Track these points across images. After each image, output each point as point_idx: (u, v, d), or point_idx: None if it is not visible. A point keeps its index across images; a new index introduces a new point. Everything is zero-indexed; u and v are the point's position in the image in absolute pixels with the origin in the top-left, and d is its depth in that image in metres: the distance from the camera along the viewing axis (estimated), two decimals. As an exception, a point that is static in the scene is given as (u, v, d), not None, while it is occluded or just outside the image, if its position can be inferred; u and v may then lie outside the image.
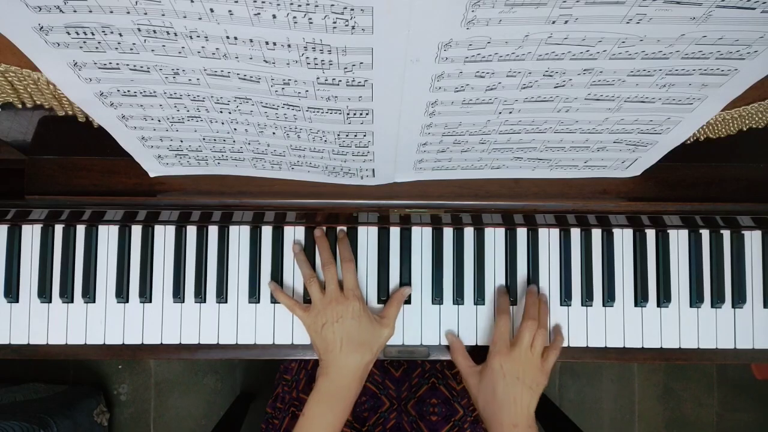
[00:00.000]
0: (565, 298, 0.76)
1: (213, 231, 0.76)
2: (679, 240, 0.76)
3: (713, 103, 0.48)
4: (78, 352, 0.74)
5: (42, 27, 0.38)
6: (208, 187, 0.65)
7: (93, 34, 0.38)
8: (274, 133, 0.52)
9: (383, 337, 0.69)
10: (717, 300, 0.76)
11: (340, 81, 0.42)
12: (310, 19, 0.35)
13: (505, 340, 0.69)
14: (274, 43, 0.38)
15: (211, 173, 0.64)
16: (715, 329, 0.75)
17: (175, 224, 0.75)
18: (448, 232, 0.76)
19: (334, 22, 0.35)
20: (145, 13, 0.36)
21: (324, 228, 0.75)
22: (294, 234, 0.76)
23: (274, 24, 0.36)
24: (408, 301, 0.75)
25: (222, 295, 0.75)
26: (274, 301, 0.75)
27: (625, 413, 1.55)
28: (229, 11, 0.35)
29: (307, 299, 0.74)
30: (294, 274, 0.76)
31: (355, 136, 0.51)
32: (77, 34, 0.38)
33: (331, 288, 0.69)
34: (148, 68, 0.43)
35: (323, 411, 0.64)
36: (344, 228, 0.76)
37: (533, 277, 0.76)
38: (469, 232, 0.76)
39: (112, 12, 0.36)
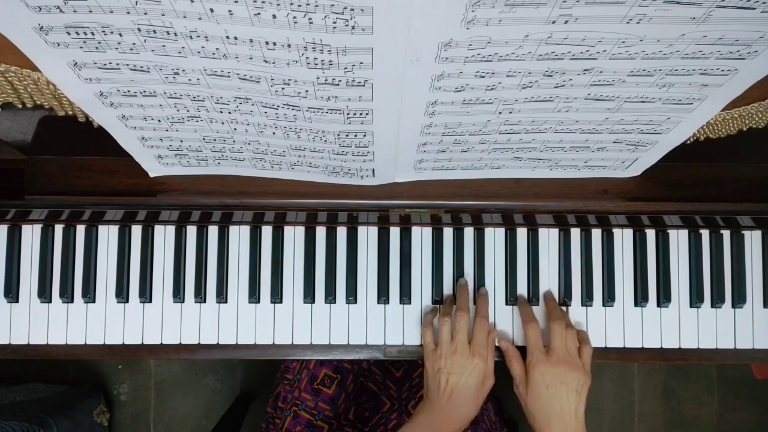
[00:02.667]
0: (565, 298, 0.76)
1: (213, 231, 0.76)
2: (679, 240, 0.76)
3: (713, 103, 0.48)
4: (78, 352, 0.74)
5: (42, 27, 0.38)
6: (208, 187, 0.65)
7: (93, 34, 0.38)
8: (274, 133, 0.52)
9: (487, 389, 0.68)
10: (717, 300, 0.75)
11: (340, 81, 0.42)
12: (310, 19, 0.35)
13: (540, 348, 0.67)
14: (274, 43, 0.38)
15: (211, 173, 0.64)
16: (715, 329, 0.75)
17: (175, 224, 0.75)
18: (448, 232, 0.76)
19: (334, 22, 0.35)
20: (145, 13, 0.36)
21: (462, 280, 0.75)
22: (294, 234, 0.76)
23: (274, 24, 0.36)
24: (408, 301, 0.75)
25: (222, 295, 0.75)
26: (274, 301, 0.75)
27: (625, 413, 1.55)
28: (229, 11, 0.35)
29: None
30: (294, 274, 0.76)
31: (355, 136, 0.51)
32: (77, 34, 0.38)
33: (460, 337, 0.67)
34: (148, 68, 0.43)
35: None
36: (345, 228, 0.76)
37: (533, 277, 0.76)
38: (469, 232, 0.76)
39: (112, 12, 0.36)
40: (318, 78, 0.42)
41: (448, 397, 0.65)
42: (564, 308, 0.75)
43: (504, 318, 0.76)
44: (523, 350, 0.71)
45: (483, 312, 0.70)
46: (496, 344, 0.72)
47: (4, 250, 0.74)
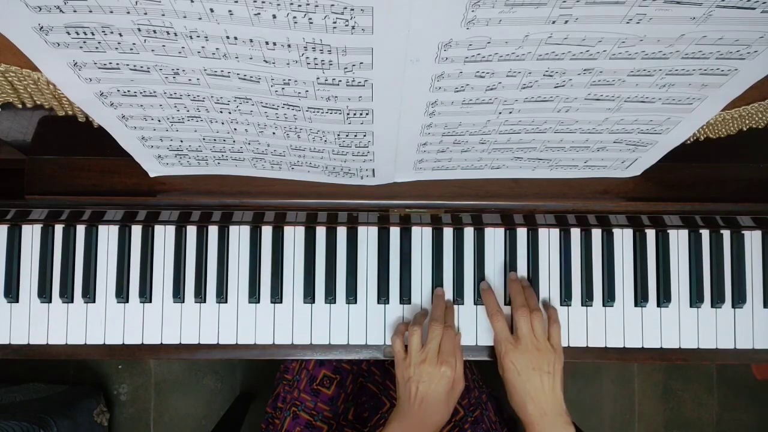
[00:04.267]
0: (565, 298, 0.76)
1: (213, 231, 0.76)
2: (679, 240, 0.76)
3: (713, 103, 0.48)
4: (78, 352, 0.74)
5: (42, 27, 0.38)
6: (208, 187, 0.65)
7: (93, 34, 0.38)
8: (274, 133, 0.52)
9: (458, 393, 0.69)
10: (717, 300, 0.76)
11: (340, 81, 0.42)
12: (310, 19, 0.35)
13: (507, 338, 0.69)
14: (274, 43, 0.38)
15: (211, 173, 0.64)
16: (715, 329, 0.75)
17: (175, 224, 0.75)
18: (448, 232, 0.76)
19: (334, 22, 0.35)
20: (145, 13, 0.36)
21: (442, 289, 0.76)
22: (294, 234, 0.76)
23: (274, 24, 0.36)
24: (408, 301, 0.75)
25: (222, 295, 0.75)
26: (274, 301, 0.75)
27: (625, 413, 1.55)
28: (229, 11, 0.35)
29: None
30: (294, 275, 0.76)
31: (355, 136, 0.51)
32: (77, 34, 0.38)
33: (431, 347, 0.68)
34: (148, 68, 0.43)
35: None
36: (345, 228, 0.76)
37: (533, 277, 0.76)
38: (469, 232, 0.76)
39: (112, 12, 0.36)
40: (318, 78, 0.42)
41: (419, 405, 0.66)
42: (542, 297, 0.76)
43: (504, 318, 0.75)
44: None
45: (450, 322, 0.72)
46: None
47: (4, 250, 0.74)
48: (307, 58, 0.39)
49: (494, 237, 0.77)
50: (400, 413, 0.67)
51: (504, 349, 0.68)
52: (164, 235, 0.76)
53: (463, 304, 0.76)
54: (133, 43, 0.39)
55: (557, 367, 0.67)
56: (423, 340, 0.69)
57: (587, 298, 0.76)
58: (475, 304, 0.76)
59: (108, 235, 0.75)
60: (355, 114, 0.47)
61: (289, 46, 0.38)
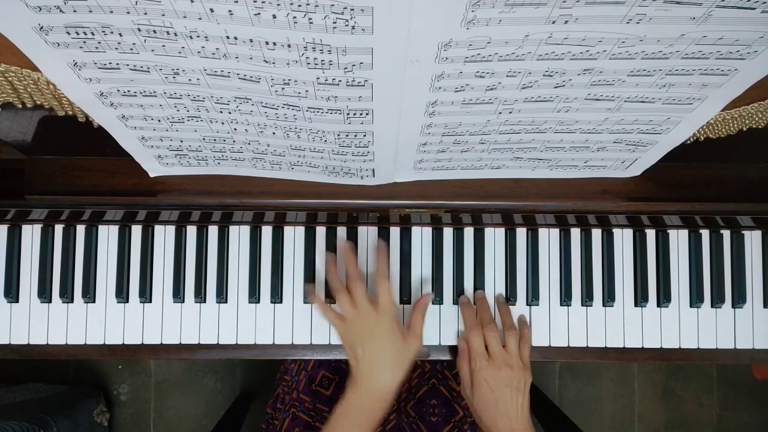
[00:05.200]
0: (565, 298, 0.76)
1: (213, 231, 0.76)
2: (679, 240, 0.76)
3: (713, 103, 0.48)
4: (78, 352, 0.74)
5: (42, 27, 0.38)
6: (208, 187, 0.65)
7: (93, 34, 0.38)
8: (274, 133, 0.52)
9: (412, 351, 0.67)
10: (717, 300, 0.76)
11: (340, 81, 0.42)
12: (310, 19, 0.35)
13: (482, 354, 0.68)
14: (274, 43, 0.38)
15: (211, 173, 0.64)
16: (715, 329, 0.75)
17: (175, 224, 0.75)
18: (448, 232, 0.76)
19: (334, 22, 0.35)
20: (145, 13, 0.36)
21: (350, 243, 0.74)
22: (294, 234, 0.76)
23: (274, 24, 0.36)
24: (408, 301, 0.75)
25: (222, 295, 0.75)
26: (274, 301, 0.75)
27: (625, 413, 1.55)
28: (229, 11, 0.35)
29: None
30: (294, 274, 0.76)
31: (355, 136, 0.51)
32: (77, 34, 0.38)
33: (362, 302, 0.66)
34: (148, 68, 0.43)
35: (350, 424, 0.64)
36: (345, 228, 0.76)
37: (533, 277, 0.76)
38: (469, 232, 0.76)
39: (112, 12, 0.36)
40: (318, 78, 0.42)
41: (371, 366, 0.64)
42: (511, 307, 0.75)
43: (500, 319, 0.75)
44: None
45: (382, 270, 0.68)
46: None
47: (4, 250, 0.74)
48: (307, 58, 0.39)
49: (494, 237, 0.77)
50: (349, 382, 0.65)
51: (478, 365, 0.68)
52: (164, 235, 0.76)
53: (463, 304, 0.76)
54: (133, 43, 0.39)
55: (527, 385, 0.68)
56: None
57: (587, 298, 0.76)
58: (476, 304, 0.76)
59: (108, 235, 0.75)
60: (355, 114, 0.47)
61: (289, 46, 0.38)
